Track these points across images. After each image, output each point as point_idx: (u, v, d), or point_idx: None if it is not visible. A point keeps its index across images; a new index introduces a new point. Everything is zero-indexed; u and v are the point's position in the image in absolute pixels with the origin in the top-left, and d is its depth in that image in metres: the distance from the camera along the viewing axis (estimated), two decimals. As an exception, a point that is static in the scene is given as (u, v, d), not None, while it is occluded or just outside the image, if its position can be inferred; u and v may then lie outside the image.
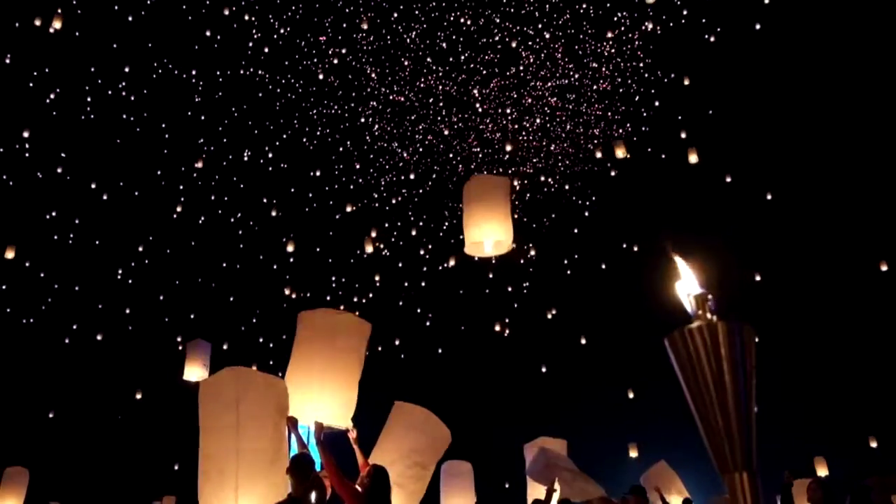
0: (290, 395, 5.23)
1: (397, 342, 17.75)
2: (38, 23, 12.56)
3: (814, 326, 13.81)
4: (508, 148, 16.70)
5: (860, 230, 14.49)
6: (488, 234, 6.04)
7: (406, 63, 16.61)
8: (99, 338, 16.32)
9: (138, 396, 15.90)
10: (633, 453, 15.45)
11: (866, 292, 14.30)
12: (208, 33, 15.67)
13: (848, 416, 13.71)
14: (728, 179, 15.19)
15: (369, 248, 15.84)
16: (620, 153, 14.11)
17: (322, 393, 5.40)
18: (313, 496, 4.71)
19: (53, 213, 16.29)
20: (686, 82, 14.88)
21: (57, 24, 12.06)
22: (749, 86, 14.90)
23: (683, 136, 15.09)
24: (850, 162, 14.29)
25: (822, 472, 12.90)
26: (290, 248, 16.58)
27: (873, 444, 14.30)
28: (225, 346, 14.95)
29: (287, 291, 17.39)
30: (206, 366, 10.75)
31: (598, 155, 14.41)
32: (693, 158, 14.02)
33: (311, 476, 4.76)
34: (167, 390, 12.69)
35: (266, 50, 16.44)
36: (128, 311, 17.00)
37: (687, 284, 1.71)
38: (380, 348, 16.52)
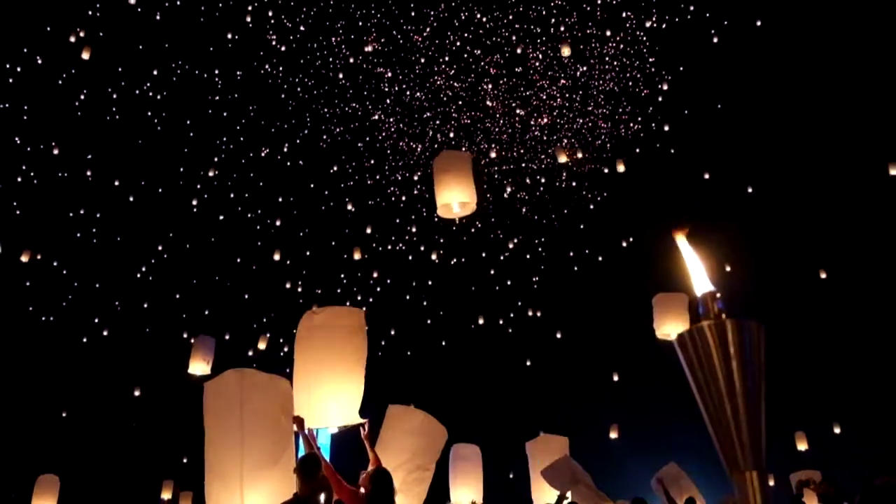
0: (302, 401, 5.30)
1: (402, 340, 17.89)
2: (72, 39, 12.98)
3: (784, 319, 13.79)
4: (491, 154, 16.77)
5: (847, 226, 14.55)
6: (456, 196, 6.75)
7: (417, 60, 16.71)
8: (105, 333, 16.40)
9: (137, 394, 15.94)
10: (613, 434, 15.69)
11: (837, 287, 14.51)
12: (229, 35, 15.88)
13: (814, 402, 13.99)
14: (706, 176, 15.29)
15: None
16: (563, 159, 14.41)
17: (330, 396, 5.47)
18: (322, 497, 4.68)
19: (81, 212, 16.46)
20: (672, 84, 15.04)
21: (85, 55, 12.59)
22: (747, 85, 14.90)
23: (666, 128, 15.21)
24: (843, 160, 14.27)
25: (802, 446, 13.44)
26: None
27: (837, 430, 14.57)
28: (227, 337, 15.09)
29: (300, 287, 17.50)
30: (209, 361, 10.81)
31: (576, 156, 14.53)
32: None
33: (319, 476, 4.74)
34: (176, 386, 12.75)
35: (282, 49, 16.60)
36: (146, 305, 17.16)
37: (696, 272, 1.68)
38: (383, 342, 16.63)
